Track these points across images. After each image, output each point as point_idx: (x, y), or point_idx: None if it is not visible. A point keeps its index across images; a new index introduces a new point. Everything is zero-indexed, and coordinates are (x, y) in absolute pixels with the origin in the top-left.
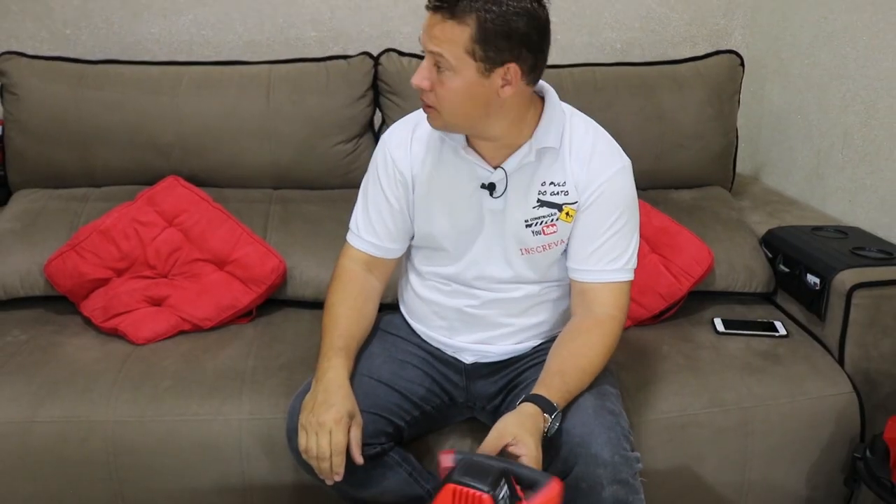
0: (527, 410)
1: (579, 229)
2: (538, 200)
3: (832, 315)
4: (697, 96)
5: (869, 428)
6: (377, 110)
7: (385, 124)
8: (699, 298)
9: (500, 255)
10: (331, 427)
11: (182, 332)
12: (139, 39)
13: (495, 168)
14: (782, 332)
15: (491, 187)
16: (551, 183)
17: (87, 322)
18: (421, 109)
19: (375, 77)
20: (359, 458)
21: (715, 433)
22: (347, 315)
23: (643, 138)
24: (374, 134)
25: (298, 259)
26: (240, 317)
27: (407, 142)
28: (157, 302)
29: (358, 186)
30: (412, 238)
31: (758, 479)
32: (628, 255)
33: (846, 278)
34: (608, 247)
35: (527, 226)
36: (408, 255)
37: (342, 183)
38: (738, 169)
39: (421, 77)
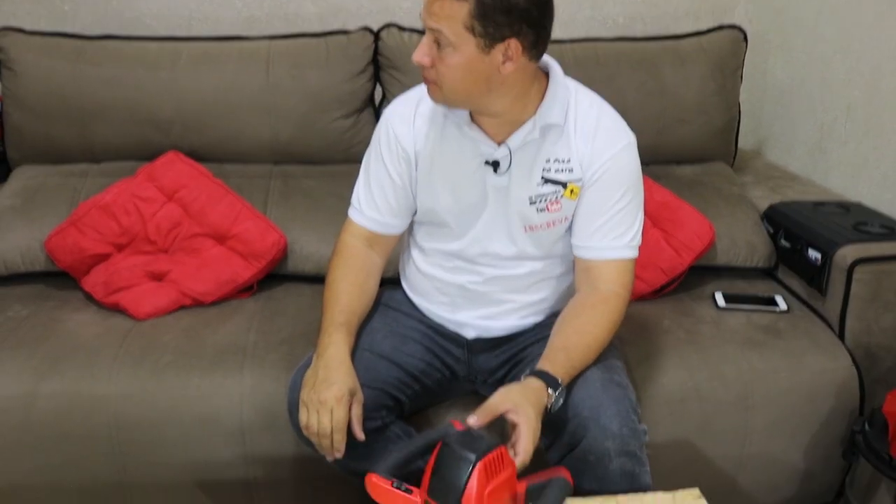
0: (530, 384)
1: (584, 206)
2: (542, 178)
3: (833, 290)
4: (700, 71)
5: (868, 402)
6: (377, 85)
7: (385, 99)
8: (700, 273)
9: (503, 232)
10: (332, 405)
11: (183, 307)
12: (138, 15)
13: (499, 144)
14: (783, 306)
15: (495, 164)
16: (556, 160)
17: (88, 297)
18: (421, 86)
19: (375, 52)
20: (360, 435)
21: (715, 407)
22: (349, 291)
23: (645, 113)
24: (374, 109)
25: (298, 234)
26: (240, 291)
27: (410, 117)
28: (157, 277)
29: (358, 161)
30: (414, 214)
31: (757, 453)
32: (633, 231)
33: (848, 253)
34: (613, 223)
35: (531, 203)
36: (410, 230)
37: (342, 158)
38: (741, 144)
39: (421, 53)
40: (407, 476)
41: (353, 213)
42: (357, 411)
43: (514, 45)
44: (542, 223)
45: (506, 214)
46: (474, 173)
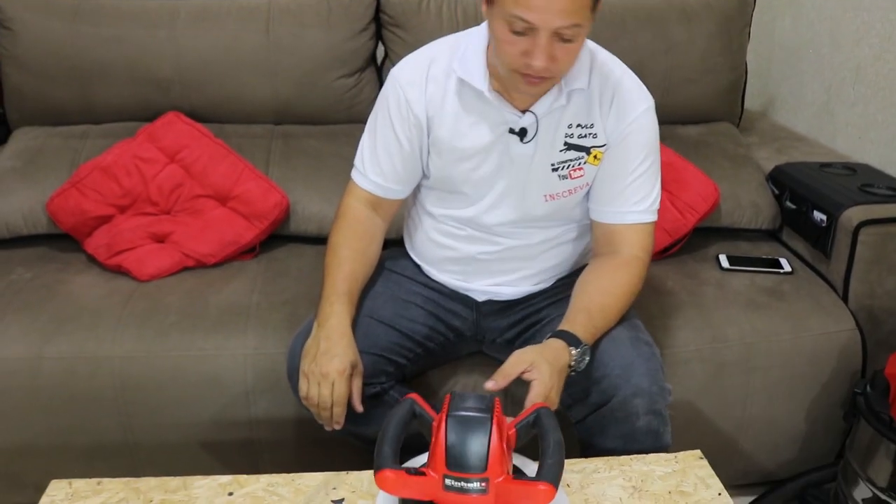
0: (550, 344)
1: (605, 170)
2: (565, 143)
3: (838, 252)
4: (706, 29)
5: (870, 365)
6: (379, 43)
7: (388, 58)
8: (704, 234)
9: (521, 200)
10: (334, 378)
11: (186, 269)
12: None
13: (523, 112)
14: (787, 268)
15: (522, 132)
16: (578, 125)
17: (91, 259)
18: (432, 45)
19: (377, 10)
20: (359, 407)
21: (717, 369)
22: (351, 257)
23: (650, 72)
24: (376, 68)
25: (301, 194)
26: (243, 252)
27: (422, 81)
28: (160, 238)
29: (360, 121)
30: (424, 179)
31: (758, 414)
32: (654, 195)
33: (853, 215)
34: (635, 187)
35: (553, 170)
36: (417, 195)
37: (344, 118)
38: (747, 104)
39: (547, 58)
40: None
41: (356, 175)
42: (357, 384)
43: (599, 4)
44: (564, 190)
45: (526, 182)
46: (496, 141)
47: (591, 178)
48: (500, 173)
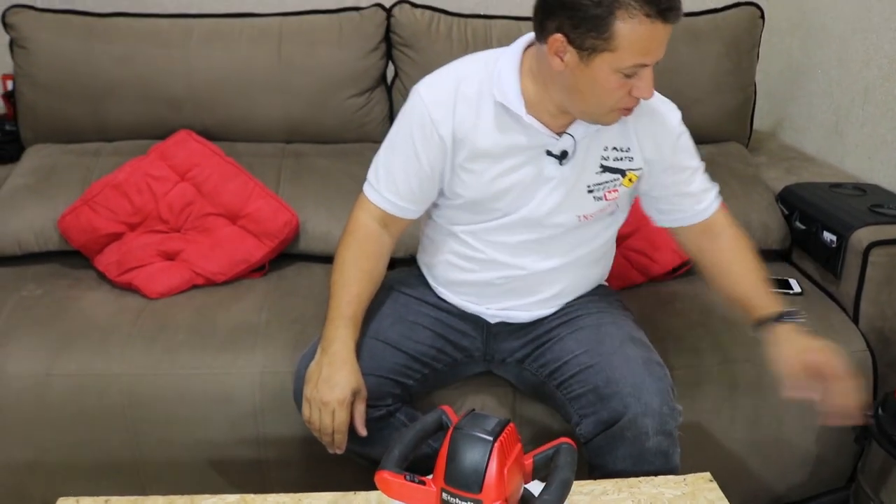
0: (788, 330)
1: (677, 183)
2: (601, 166)
3: (848, 273)
4: (715, 50)
5: (881, 386)
6: (390, 63)
7: (398, 77)
8: None
9: (555, 221)
10: (334, 407)
11: (195, 287)
12: None
13: (559, 135)
14: (797, 289)
15: (562, 155)
16: (614, 148)
17: (102, 276)
18: (457, 64)
19: (388, 29)
20: (362, 431)
21: (727, 389)
22: (359, 278)
23: (659, 92)
24: (386, 87)
25: (311, 213)
26: (252, 271)
27: (450, 101)
28: (170, 256)
29: (370, 140)
30: (445, 199)
31: (768, 436)
32: (709, 181)
33: (863, 236)
34: (702, 180)
35: (589, 191)
36: (438, 215)
37: (354, 137)
38: (756, 125)
39: (652, 89)
40: (409, 467)
41: (369, 191)
42: (360, 409)
43: None
44: (597, 211)
45: (561, 204)
46: (530, 163)
47: (624, 200)
48: (535, 195)
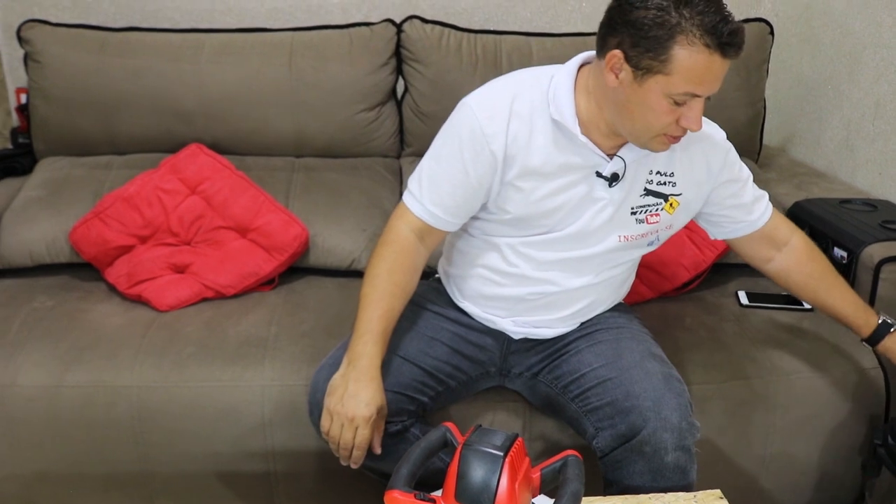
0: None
1: (734, 195)
2: (645, 189)
3: (859, 289)
4: None
5: (894, 405)
6: (400, 78)
7: (408, 92)
8: (723, 270)
9: (596, 239)
10: (359, 423)
11: (205, 300)
12: (160, 7)
13: (610, 157)
14: (807, 305)
15: (613, 176)
16: (658, 172)
17: (112, 289)
18: (509, 79)
19: (398, 45)
20: (378, 450)
21: (737, 406)
22: (392, 292)
23: None
24: (396, 102)
25: (320, 227)
26: (262, 284)
27: (504, 116)
28: (180, 269)
29: (380, 155)
30: (488, 213)
31: (779, 453)
32: (758, 189)
33: (874, 252)
34: (752, 188)
35: (632, 213)
36: (471, 228)
37: (364, 151)
38: (765, 140)
39: (700, 122)
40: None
41: (410, 201)
42: (381, 427)
43: None
44: (638, 234)
45: (605, 225)
46: (581, 182)
47: (665, 226)
48: (582, 213)
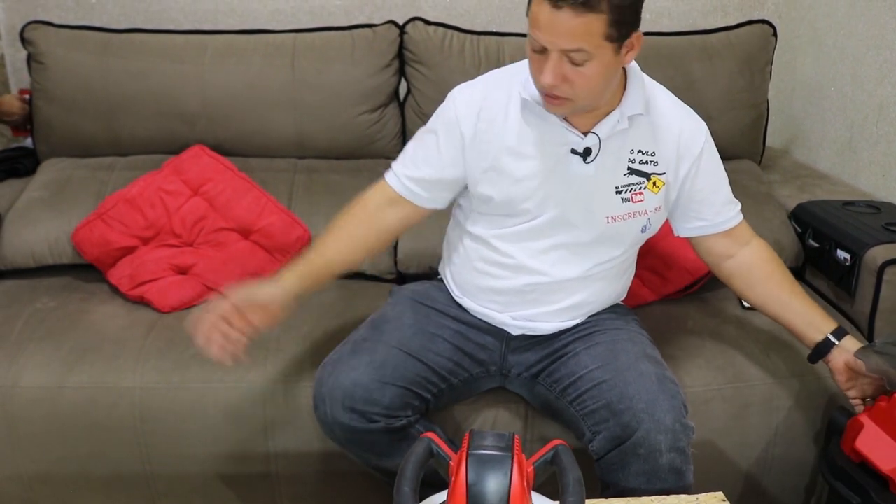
0: (849, 345)
1: (704, 190)
2: (628, 168)
3: (862, 291)
4: (728, 67)
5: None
6: (402, 80)
7: (411, 94)
8: None
9: (583, 220)
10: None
11: (207, 301)
12: (164, 8)
13: (585, 134)
14: None
15: (586, 152)
16: (639, 151)
17: (114, 290)
18: (494, 72)
19: (401, 46)
20: (228, 361)
21: (739, 408)
22: (337, 236)
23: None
24: (399, 104)
25: (323, 228)
26: None
27: (477, 102)
28: (182, 270)
29: (383, 156)
30: (475, 203)
31: (781, 455)
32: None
33: (878, 254)
34: (727, 191)
35: (616, 192)
36: (466, 223)
37: (367, 153)
38: (769, 142)
39: (553, 76)
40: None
41: (387, 174)
42: (248, 329)
43: (636, 35)
44: (624, 213)
45: (590, 202)
46: (558, 161)
47: (651, 206)
48: (562, 194)
